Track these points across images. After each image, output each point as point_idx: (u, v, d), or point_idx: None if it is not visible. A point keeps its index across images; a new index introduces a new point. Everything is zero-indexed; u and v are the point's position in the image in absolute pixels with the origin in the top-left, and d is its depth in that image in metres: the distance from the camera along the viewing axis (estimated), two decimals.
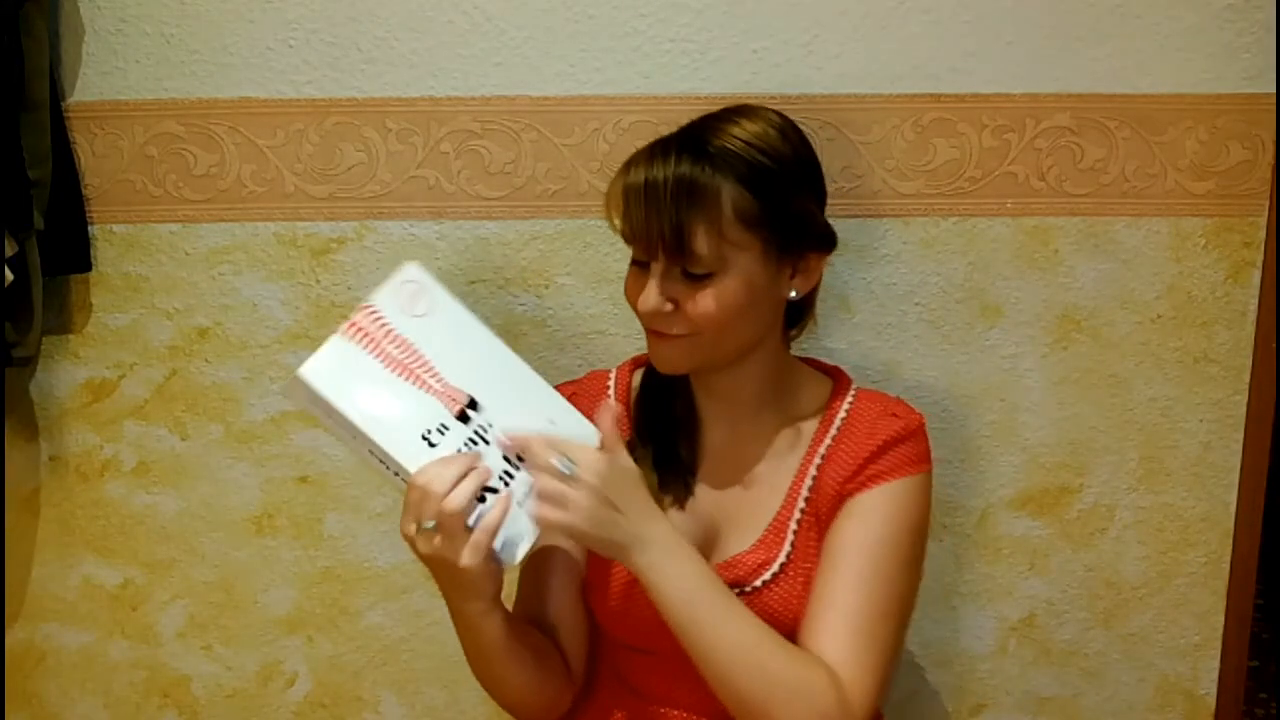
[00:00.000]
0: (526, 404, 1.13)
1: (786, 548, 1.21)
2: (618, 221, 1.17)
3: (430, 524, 1.05)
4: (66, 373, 1.52)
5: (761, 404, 1.25)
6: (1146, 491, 1.55)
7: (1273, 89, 1.43)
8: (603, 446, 1.11)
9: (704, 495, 1.26)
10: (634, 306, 1.19)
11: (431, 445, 1.09)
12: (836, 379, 1.30)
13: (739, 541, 1.23)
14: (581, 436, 1.12)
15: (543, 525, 1.09)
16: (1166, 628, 1.59)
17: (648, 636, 1.24)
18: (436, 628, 1.57)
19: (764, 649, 1.12)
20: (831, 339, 1.50)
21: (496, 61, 1.43)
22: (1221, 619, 1.58)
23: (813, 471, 1.22)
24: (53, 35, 1.41)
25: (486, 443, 1.10)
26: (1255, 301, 1.49)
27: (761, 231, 1.15)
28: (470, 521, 1.06)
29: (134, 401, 1.53)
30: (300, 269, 1.49)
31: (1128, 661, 1.60)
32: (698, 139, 1.16)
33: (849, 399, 1.26)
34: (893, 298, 1.49)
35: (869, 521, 1.19)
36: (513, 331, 1.50)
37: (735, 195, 1.13)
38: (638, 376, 1.31)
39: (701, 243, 1.12)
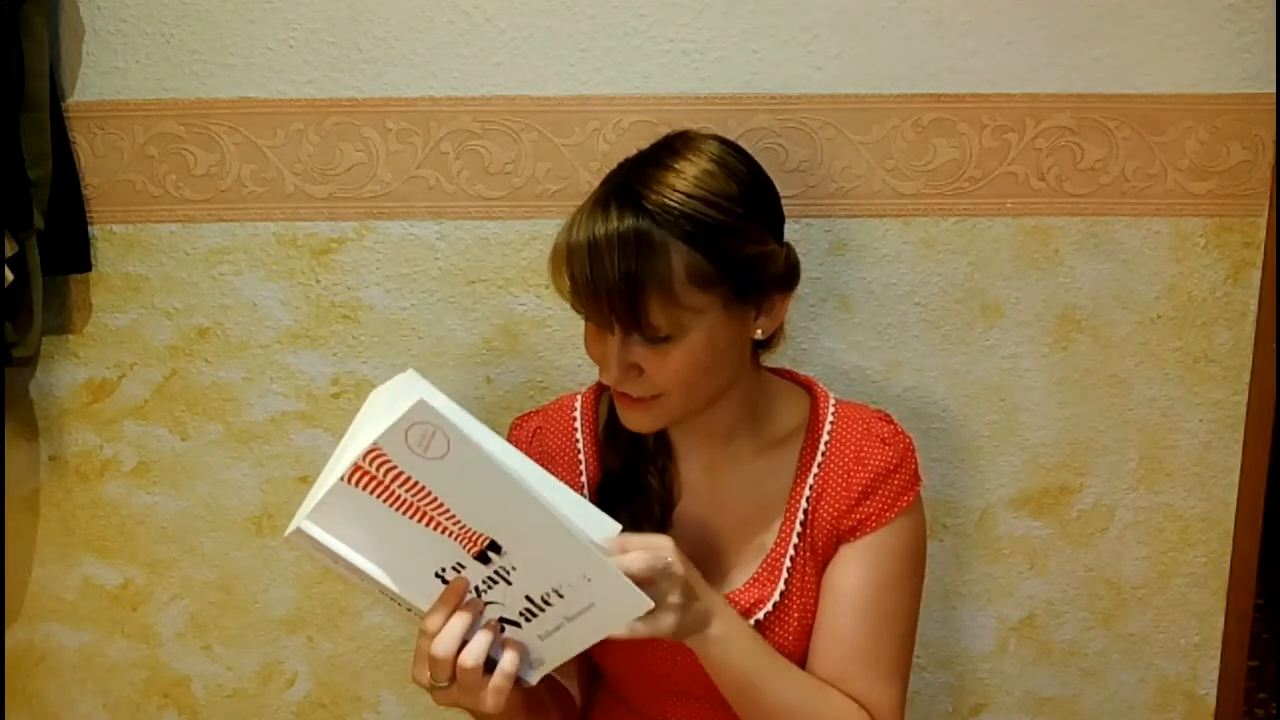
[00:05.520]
0: (554, 551, 1.00)
1: (781, 585, 1.19)
2: (565, 285, 1.10)
3: (444, 683, 1.04)
4: (66, 373, 1.52)
5: (738, 432, 1.21)
6: (1146, 491, 1.55)
7: (1273, 89, 1.43)
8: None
9: (684, 530, 1.21)
10: (595, 362, 1.14)
11: (446, 582, 1.03)
12: (812, 392, 1.25)
13: (731, 578, 1.20)
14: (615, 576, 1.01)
15: (634, 635, 1.03)
16: (1166, 628, 1.59)
17: (630, 662, 1.24)
18: None
19: (812, 708, 1.13)
20: (831, 339, 1.50)
21: (496, 61, 1.43)
22: (1221, 619, 1.58)
23: (804, 504, 1.19)
24: (53, 35, 1.41)
25: (509, 583, 1.02)
26: (1255, 301, 1.49)
27: (719, 288, 1.08)
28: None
29: (134, 401, 1.53)
30: (300, 269, 1.49)
31: (1128, 661, 1.60)
32: (635, 193, 1.07)
33: (830, 417, 1.22)
34: (893, 298, 1.49)
35: (875, 562, 1.18)
36: (512, 331, 1.50)
37: (685, 257, 1.05)
38: (606, 400, 1.27)
39: (657, 313, 1.05)
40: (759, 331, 1.15)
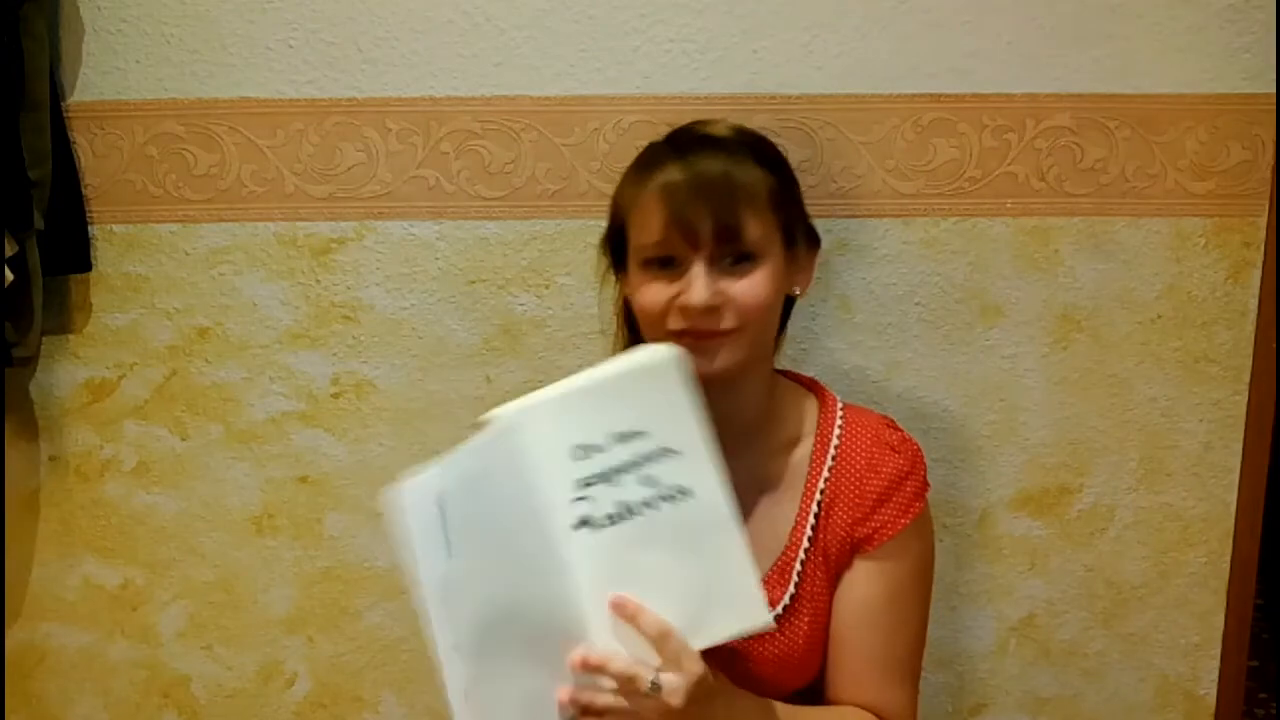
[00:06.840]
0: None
1: (791, 589, 1.19)
2: (653, 225, 1.13)
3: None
4: (66, 373, 1.52)
5: (752, 430, 1.22)
6: (1146, 491, 1.55)
7: (1273, 89, 1.43)
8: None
9: None
10: (653, 315, 1.15)
11: None
12: (818, 395, 1.26)
13: None
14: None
15: None
16: (1166, 628, 1.59)
17: None
18: None
19: None
20: (831, 339, 1.50)
21: (496, 61, 1.43)
22: (1221, 619, 1.58)
23: (814, 509, 1.20)
24: (53, 35, 1.41)
25: None
26: (1255, 301, 1.49)
27: (781, 215, 1.17)
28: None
29: (134, 401, 1.53)
30: (300, 269, 1.49)
31: (1128, 661, 1.60)
32: (706, 135, 1.18)
33: (839, 422, 1.23)
34: (893, 298, 1.49)
35: (890, 572, 1.19)
36: (513, 331, 1.50)
37: (764, 177, 1.15)
38: None
39: (753, 226, 1.13)
40: (796, 288, 1.22)
